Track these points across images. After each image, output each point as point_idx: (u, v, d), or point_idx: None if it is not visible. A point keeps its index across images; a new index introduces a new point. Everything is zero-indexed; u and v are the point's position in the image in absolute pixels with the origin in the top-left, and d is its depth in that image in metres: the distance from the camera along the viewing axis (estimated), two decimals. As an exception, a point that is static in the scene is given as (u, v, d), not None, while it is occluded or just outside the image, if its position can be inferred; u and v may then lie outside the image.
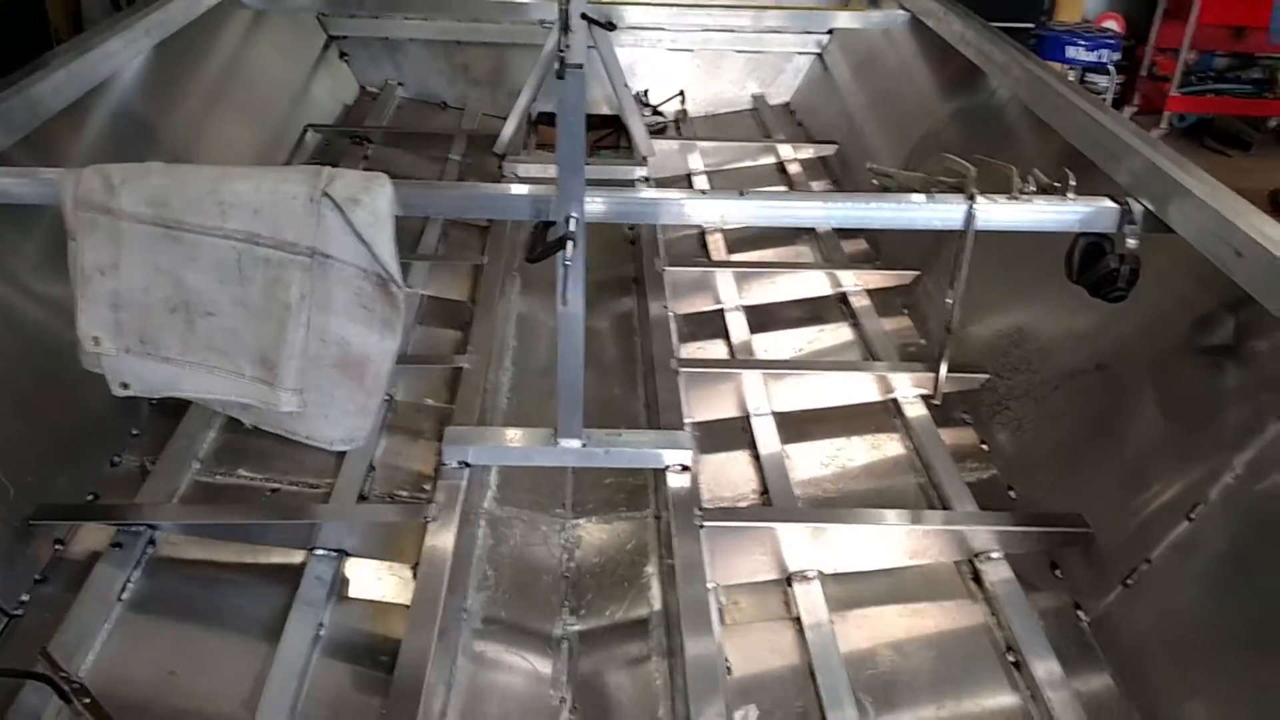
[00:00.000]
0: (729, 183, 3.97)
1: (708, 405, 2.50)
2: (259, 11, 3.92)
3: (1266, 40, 5.36)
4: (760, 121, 4.59)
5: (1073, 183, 1.94)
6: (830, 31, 4.55)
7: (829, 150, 4.01)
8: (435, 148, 4.04)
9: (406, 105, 4.67)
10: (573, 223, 1.86)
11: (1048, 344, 2.32)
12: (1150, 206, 1.96)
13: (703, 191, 1.97)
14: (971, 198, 1.92)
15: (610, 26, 3.35)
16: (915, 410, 2.45)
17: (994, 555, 1.98)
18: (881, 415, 2.50)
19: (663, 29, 4.59)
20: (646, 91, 4.73)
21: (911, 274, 2.98)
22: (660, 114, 4.71)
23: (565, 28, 2.03)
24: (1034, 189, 1.97)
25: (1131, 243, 1.94)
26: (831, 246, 3.29)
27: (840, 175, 3.90)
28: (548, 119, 4.45)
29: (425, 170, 3.89)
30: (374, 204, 1.85)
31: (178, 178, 1.89)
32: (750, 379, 2.49)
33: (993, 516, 2.04)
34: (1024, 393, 2.32)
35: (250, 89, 3.78)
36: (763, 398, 2.48)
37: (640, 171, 3.56)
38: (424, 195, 1.90)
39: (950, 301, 2.05)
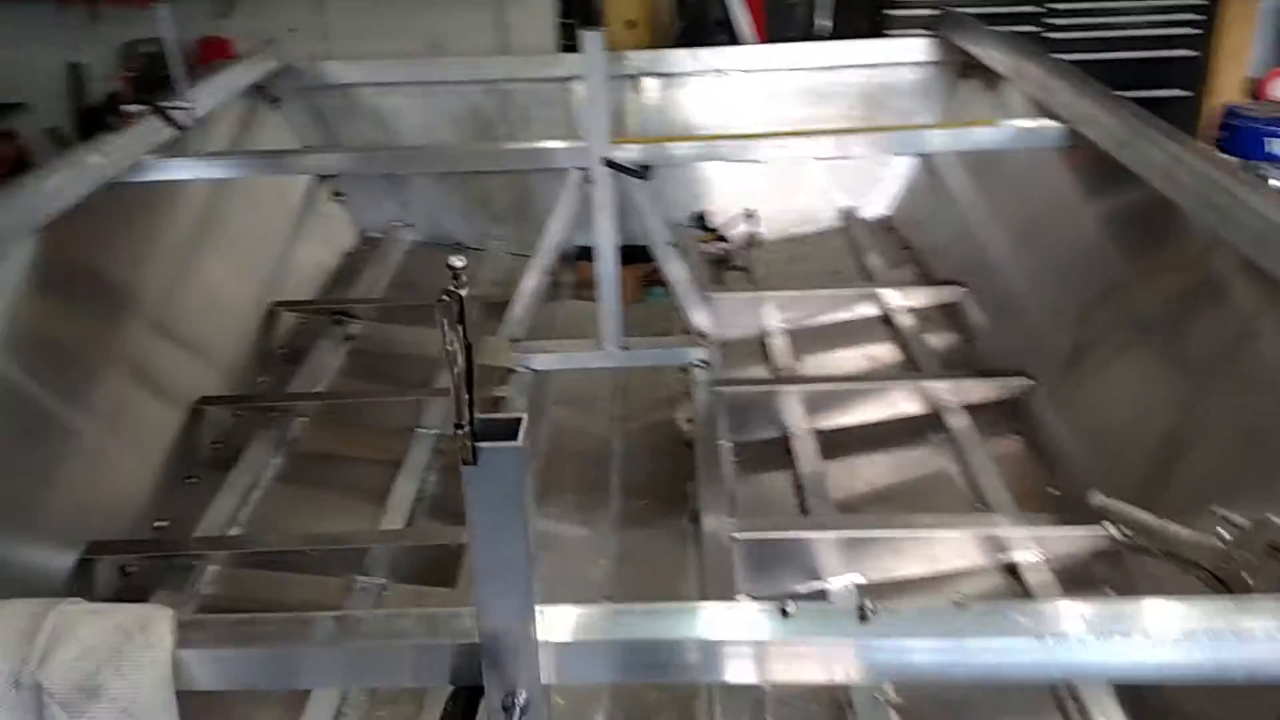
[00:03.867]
0: (818, 344, 3.00)
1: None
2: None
3: None
4: (852, 243, 3.61)
5: None
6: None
7: (955, 295, 3.01)
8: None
9: (417, 251, 3.82)
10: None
11: None
12: None
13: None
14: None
15: (642, 174, 2.44)
16: None
17: None
18: None
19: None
20: (703, 215, 3.80)
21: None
22: (725, 240, 3.78)
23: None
24: None
25: None
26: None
27: (972, 329, 2.89)
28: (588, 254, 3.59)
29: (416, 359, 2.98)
30: (134, 691, 0.94)
31: None
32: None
33: None
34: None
35: (211, 256, 2.96)
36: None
37: (697, 354, 2.61)
38: (236, 665, 0.97)
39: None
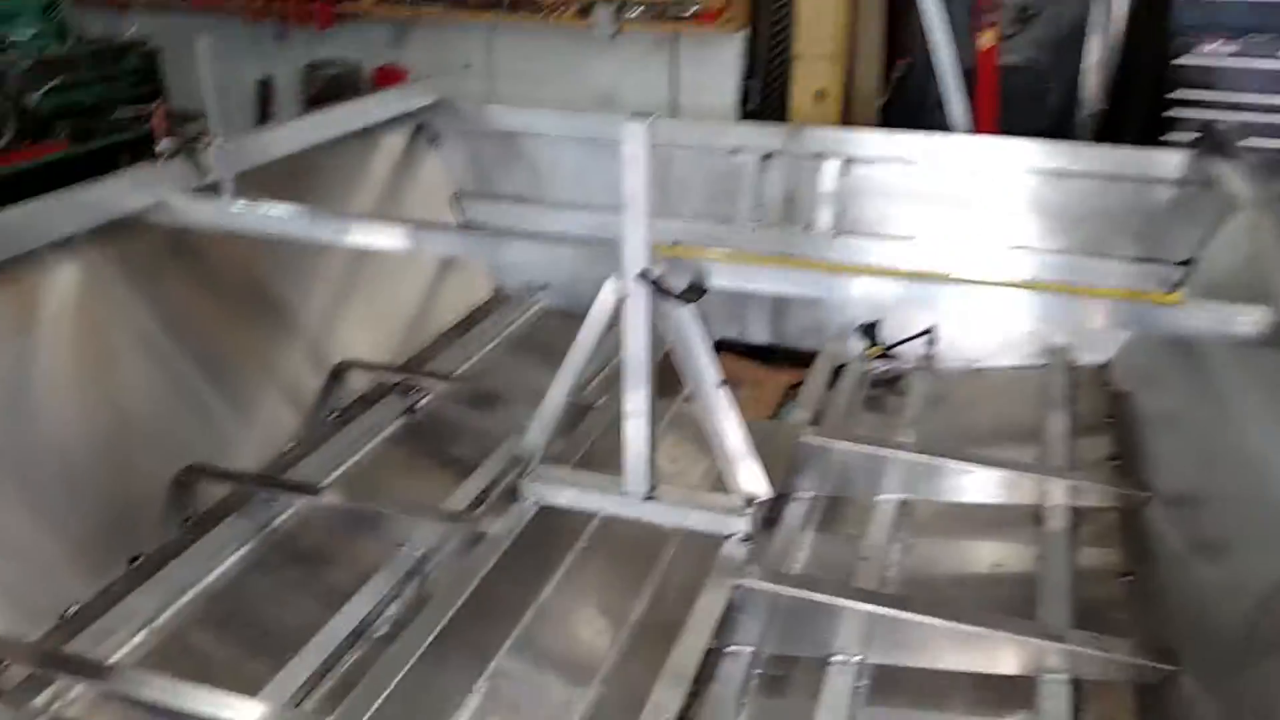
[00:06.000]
0: (937, 526, 2.33)
1: None
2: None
3: None
4: (1044, 392, 2.85)
5: None
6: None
7: (1134, 503, 2.22)
8: (516, 401, 2.76)
9: (551, 316, 3.48)
10: None
11: None
12: None
13: None
14: None
15: (691, 297, 1.92)
16: None
17: None
18: None
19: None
20: (873, 326, 3.17)
21: None
22: (893, 357, 3.14)
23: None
24: None
25: None
26: None
27: (1143, 559, 2.09)
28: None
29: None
30: None
31: None
32: None
33: None
34: None
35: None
36: None
37: (737, 524, 2.04)
38: None
39: None
